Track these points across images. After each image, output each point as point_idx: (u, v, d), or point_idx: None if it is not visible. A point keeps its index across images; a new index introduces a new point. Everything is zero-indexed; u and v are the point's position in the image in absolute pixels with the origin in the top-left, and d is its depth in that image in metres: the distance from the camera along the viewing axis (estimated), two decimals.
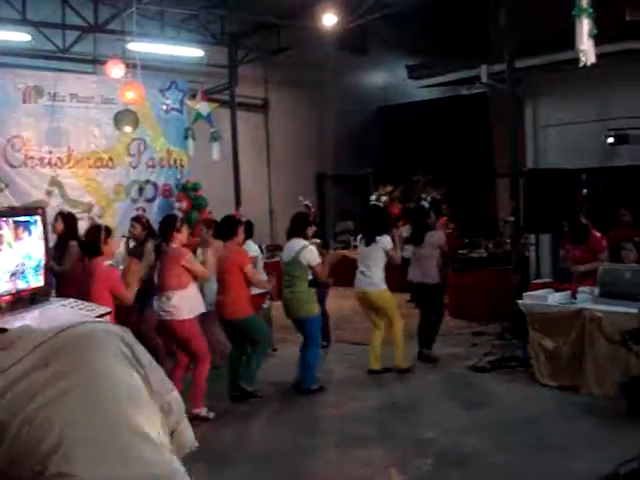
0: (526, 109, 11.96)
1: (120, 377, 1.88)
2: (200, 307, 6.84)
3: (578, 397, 7.05)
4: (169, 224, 6.93)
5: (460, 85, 15.47)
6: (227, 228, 7.38)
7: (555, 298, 7.63)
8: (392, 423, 6.64)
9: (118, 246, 7.07)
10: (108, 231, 6.64)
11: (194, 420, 6.29)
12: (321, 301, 9.34)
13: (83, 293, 5.90)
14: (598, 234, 8.16)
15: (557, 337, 7.43)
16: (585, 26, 5.95)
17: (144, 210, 11.89)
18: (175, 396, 2.11)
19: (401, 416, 6.85)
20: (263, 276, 8.56)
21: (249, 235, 8.88)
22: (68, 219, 8.32)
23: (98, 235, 6.50)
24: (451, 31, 15.67)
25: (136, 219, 8.85)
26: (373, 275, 8.13)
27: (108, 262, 6.75)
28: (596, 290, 7.50)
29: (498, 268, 11.11)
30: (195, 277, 6.82)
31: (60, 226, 8.17)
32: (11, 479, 1.72)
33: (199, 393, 6.74)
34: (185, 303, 6.62)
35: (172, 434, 2.04)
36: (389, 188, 16.32)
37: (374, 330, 8.40)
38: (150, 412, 1.88)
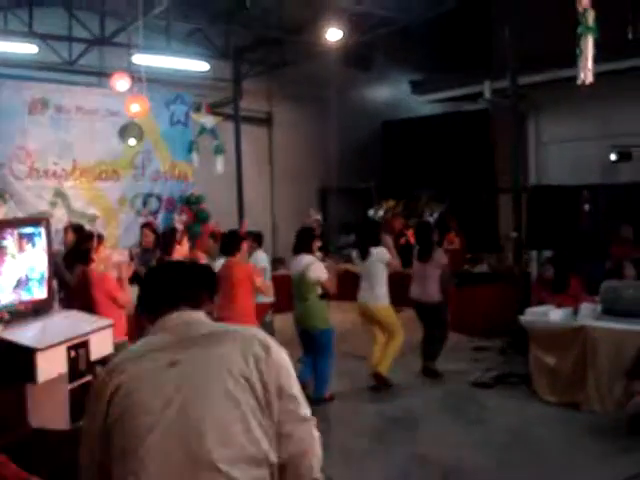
0: (529, 125, 12.02)
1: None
2: None
3: (579, 414, 7.05)
4: (167, 237, 6.97)
5: (463, 101, 15.52)
6: (231, 244, 7.39)
7: (557, 314, 7.63)
8: (393, 438, 6.64)
9: (107, 253, 7.00)
10: (100, 238, 6.69)
11: None
12: None
13: (86, 302, 5.95)
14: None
15: (558, 353, 7.44)
16: (590, 44, 5.99)
17: (182, 213, 12.01)
18: (303, 429, 2.25)
19: (402, 431, 6.85)
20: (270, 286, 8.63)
21: (258, 245, 9.02)
22: (79, 231, 8.39)
23: (90, 243, 6.55)
24: (455, 47, 15.71)
25: (146, 226, 8.88)
26: (375, 290, 8.15)
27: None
28: (598, 307, 7.52)
29: (500, 284, 11.11)
30: None
31: (71, 237, 8.23)
32: None
33: None
34: None
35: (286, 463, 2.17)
36: (391, 203, 16.34)
37: (373, 345, 8.39)
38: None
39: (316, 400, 7.54)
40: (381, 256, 8.16)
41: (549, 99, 11.45)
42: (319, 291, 7.62)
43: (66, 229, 8.42)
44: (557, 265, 8.55)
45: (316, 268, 7.53)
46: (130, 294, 6.34)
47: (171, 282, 2.48)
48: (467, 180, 15.48)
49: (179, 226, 7.93)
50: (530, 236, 9.74)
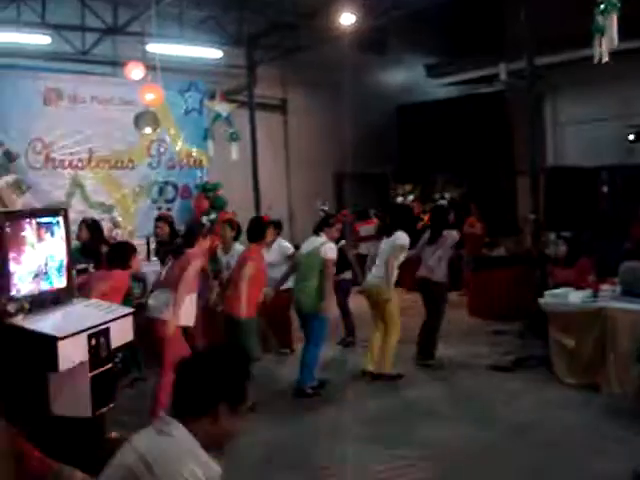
0: (546, 107, 11.94)
1: None
2: (189, 320, 6.73)
3: (599, 396, 7.02)
4: (195, 230, 7.00)
5: (479, 83, 15.43)
6: (257, 230, 7.39)
7: (576, 296, 7.59)
8: (411, 423, 6.63)
9: (140, 265, 7.13)
10: (133, 249, 6.76)
11: None
12: (344, 296, 9.38)
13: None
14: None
15: (578, 335, 7.40)
16: (614, 22, 5.91)
17: (169, 209, 12.01)
18: None
19: (420, 416, 6.84)
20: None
21: (278, 233, 9.07)
22: (92, 227, 8.43)
23: (127, 252, 6.63)
24: (470, 29, 15.60)
25: (160, 218, 8.88)
26: (387, 271, 8.00)
27: None
28: (617, 288, 7.47)
29: (518, 266, 11.06)
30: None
31: (84, 234, 8.28)
32: None
33: (158, 408, 6.30)
34: (186, 309, 6.57)
35: None
36: (408, 187, 16.31)
37: (375, 331, 8.27)
38: None
39: (297, 390, 7.50)
40: (402, 240, 8.05)
41: (566, 80, 11.36)
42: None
43: (81, 225, 8.46)
44: (570, 243, 8.48)
45: (328, 247, 7.50)
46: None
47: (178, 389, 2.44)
48: (484, 163, 15.41)
49: (206, 223, 7.99)
50: (548, 218, 9.67)
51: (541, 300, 7.85)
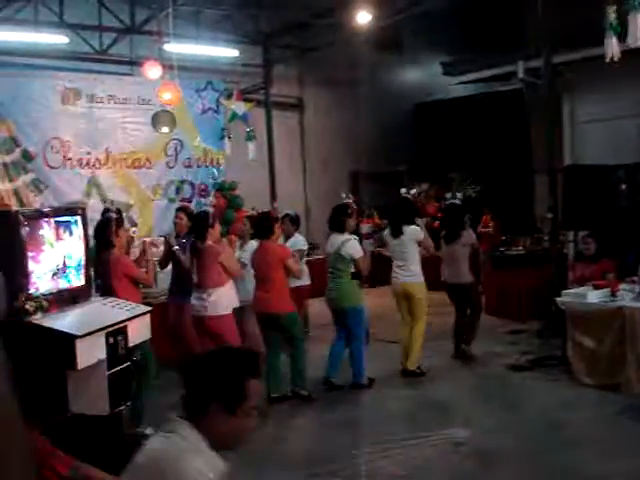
0: (564, 105, 11.85)
1: None
2: (235, 302, 6.96)
3: (618, 396, 6.96)
4: (202, 221, 6.97)
5: (496, 81, 15.34)
6: (264, 227, 7.36)
7: (595, 296, 7.53)
8: (428, 422, 6.61)
9: (128, 236, 7.03)
10: (118, 222, 6.69)
11: None
12: None
13: (107, 286, 6.07)
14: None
15: (597, 335, 7.35)
16: (639, 21, 5.88)
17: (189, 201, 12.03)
18: None
19: (438, 415, 6.82)
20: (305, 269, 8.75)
21: (296, 228, 9.09)
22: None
23: (108, 228, 6.58)
24: (487, 27, 15.51)
25: (181, 209, 8.88)
26: (411, 268, 8.02)
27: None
28: (637, 287, 7.41)
29: (536, 265, 11.00)
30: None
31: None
32: None
33: None
34: (223, 299, 6.70)
35: None
36: (425, 186, 16.25)
37: (404, 326, 8.30)
38: None
39: (355, 386, 7.57)
40: (414, 234, 8.05)
41: (584, 77, 11.26)
42: (352, 269, 7.59)
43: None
44: (599, 242, 8.42)
45: (350, 245, 7.52)
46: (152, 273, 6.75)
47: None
48: (502, 161, 15.32)
49: (210, 209, 7.94)
50: (566, 217, 9.60)
51: (559, 299, 7.80)
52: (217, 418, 2.29)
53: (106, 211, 9.03)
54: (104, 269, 6.46)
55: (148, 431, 5.71)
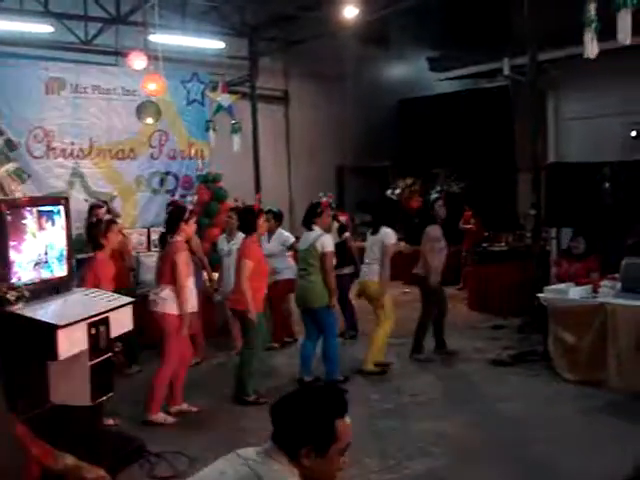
0: (548, 102, 11.88)
1: None
2: (191, 306, 6.60)
3: (599, 392, 7.01)
4: (176, 215, 6.82)
5: (481, 78, 15.38)
6: (247, 222, 7.24)
7: (576, 292, 7.59)
8: (410, 415, 6.64)
9: (118, 238, 7.00)
10: (109, 224, 6.70)
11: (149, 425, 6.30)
12: (344, 291, 9.36)
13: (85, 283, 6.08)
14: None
15: (578, 331, 7.40)
16: (628, 18, 5.91)
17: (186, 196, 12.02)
18: None
19: (419, 408, 6.85)
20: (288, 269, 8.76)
21: (279, 224, 9.09)
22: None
23: (98, 229, 6.62)
24: (473, 23, 15.53)
25: (171, 204, 8.86)
26: (374, 267, 8.07)
27: None
28: (618, 284, 7.46)
29: (518, 262, 11.06)
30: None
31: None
32: None
33: (155, 398, 6.47)
34: (173, 298, 6.54)
35: None
36: (409, 181, 16.29)
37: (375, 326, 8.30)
38: None
39: (330, 383, 7.55)
40: (384, 237, 8.08)
41: (569, 75, 11.30)
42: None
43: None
44: (588, 241, 8.44)
45: (325, 239, 7.51)
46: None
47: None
48: (486, 158, 15.40)
49: (189, 205, 7.90)
50: (549, 214, 9.65)
51: (541, 295, 7.84)
52: (308, 460, 2.27)
53: (93, 207, 9.03)
54: (88, 267, 6.51)
55: None
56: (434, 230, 8.56)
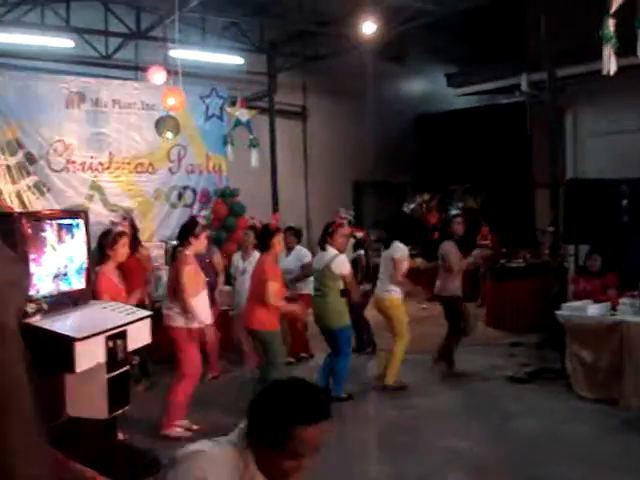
0: (567, 118, 11.87)
1: None
2: (203, 320, 6.58)
3: (616, 410, 6.96)
4: (187, 229, 6.82)
5: (499, 94, 15.39)
6: (263, 240, 7.27)
7: (595, 309, 7.54)
8: (427, 432, 6.61)
9: (126, 251, 6.91)
10: (118, 235, 6.66)
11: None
12: (359, 309, 9.34)
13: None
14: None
15: (596, 349, 7.35)
16: None
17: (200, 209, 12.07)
18: None
19: (436, 425, 6.82)
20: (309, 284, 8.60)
21: (298, 241, 9.15)
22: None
23: (106, 240, 6.59)
24: (491, 39, 15.57)
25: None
26: (386, 282, 8.06)
27: None
28: (637, 302, 7.41)
29: (536, 278, 10.99)
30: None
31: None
32: None
33: (172, 411, 6.52)
34: (183, 312, 6.52)
35: None
36: (426, 196, 16.27)
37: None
38: None
39: (333, 399, 7.52)
40: (396, 251, 8.08)
41: (587, 91, 11.28)
42: (341, 286, 7.60)
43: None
44: (604, 257, 8.41)
45: (339, 261, 7.51)
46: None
47: None
48: (503, 174, 15.36)
49: (201, 220, 7.91)
50: (567, 230, 9.60)
51: (559, 312, 7.80)
52: (264, 451, 2.28)
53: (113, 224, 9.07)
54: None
55: None
56: (448, 246, 8.55)
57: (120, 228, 7.62)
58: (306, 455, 2.29)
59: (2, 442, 0.82)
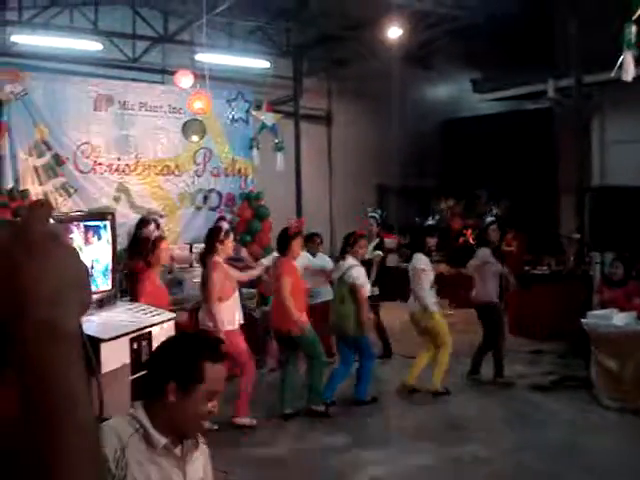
0: (593, 125, 11.79)
1: None
2: (230, 324, 6.71)
3: None
4: (211, 236, 6.94)
5: (525, 100, 15.31)
6: (280, 243, 7.38)
7: (620, 318, 7.47)
8: (448, 440, 6.57)
9: (168, 254, 7.06)
10: (157, 241, 6.77)
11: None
12: (375, 315, 9.31)
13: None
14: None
15: (621, 358, 7.28)
16: None
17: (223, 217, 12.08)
18: None
19: (458, 433, 6.78)
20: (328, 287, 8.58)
21: (320, 242, 9.15)
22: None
23: (145, 247, 6.70)
24: (517, 45, 15.49)
25: (220, 219, 8.95)
26: (419, 295, 7.97)
27: None
28: None
29: (561, 286, 10.91)
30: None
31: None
32: None
33: (242, 402, 6.77)
34: (222, 316, 6.57)
35: None
36: (451, 202, 16.21)
37: (422, 351, 8.19)
38: None
39: (357, 402, 7.53)
40: (416, 262, 8.05)
41: (615, 98, 11.20)
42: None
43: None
44: (626, 265, 8.34)
45: (355, 271, 7.51)
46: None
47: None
48: (528, 180, 15.27)
49: (225, 225, 7.91)
50: (593, 238, 9.54)
51: (584, 320, 7.73)
52: (172, 398, 2.29)
53: (143, 221, 9.13)
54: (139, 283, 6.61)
55: None
56: (484, 253, 8.54)
57: (156, 232, 7.74)
58: (214, 397, 2.35)
59: (53, 455, 0.80)
